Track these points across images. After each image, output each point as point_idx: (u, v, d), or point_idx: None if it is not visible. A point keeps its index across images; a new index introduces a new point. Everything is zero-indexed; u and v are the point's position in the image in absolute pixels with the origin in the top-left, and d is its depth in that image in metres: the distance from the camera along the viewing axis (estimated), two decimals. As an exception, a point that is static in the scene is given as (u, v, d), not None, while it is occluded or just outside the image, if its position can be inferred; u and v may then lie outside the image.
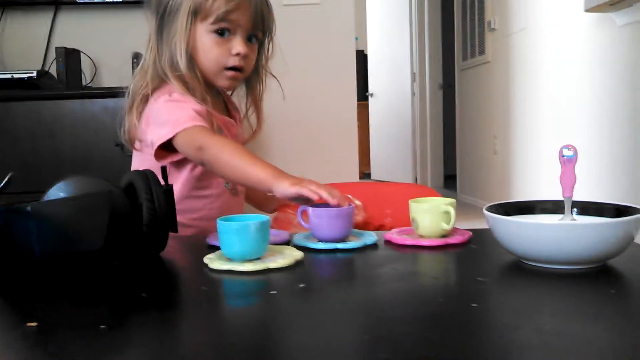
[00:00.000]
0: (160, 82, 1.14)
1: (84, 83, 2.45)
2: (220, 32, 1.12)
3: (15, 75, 2.17)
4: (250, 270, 0.78)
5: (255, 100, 1.25)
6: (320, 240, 0.92)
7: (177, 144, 1.06)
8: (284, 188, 0.94)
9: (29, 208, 0.77)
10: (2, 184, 0.83)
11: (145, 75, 1.15)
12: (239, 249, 0.81)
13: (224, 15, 1.10)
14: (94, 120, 2.06)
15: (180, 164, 1.14)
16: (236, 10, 1.11)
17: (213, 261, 0.81)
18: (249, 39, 1.15)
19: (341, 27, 2.52)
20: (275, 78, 1.27)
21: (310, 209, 0.93)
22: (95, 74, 2.49)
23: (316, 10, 2.51)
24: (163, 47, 1.13)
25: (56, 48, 2.33)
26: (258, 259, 0.82)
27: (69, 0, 2.47)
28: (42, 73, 2.24)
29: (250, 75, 1.22)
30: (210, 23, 1.11)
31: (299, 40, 2.50)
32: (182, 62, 1.11)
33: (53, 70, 2.36)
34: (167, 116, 1.08)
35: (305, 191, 0.91)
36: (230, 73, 1.15)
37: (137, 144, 1.16)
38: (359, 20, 3.95)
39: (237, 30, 1.13)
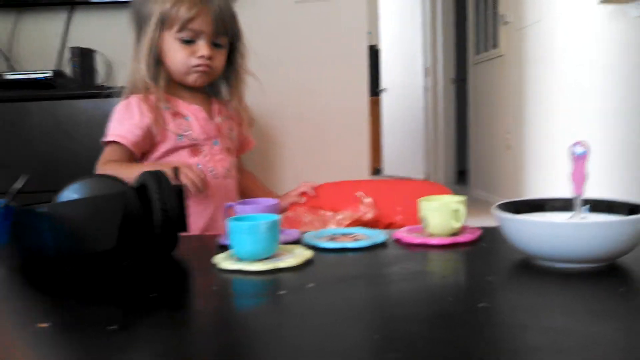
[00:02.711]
0: (133, 87, 1.28)
1: (98, 82, 2.47)
2: (186, 38, 1.25)
3: (31, 76, 2.20)
4: (259, 270, 0.79)
5: (239, 98, 1.36)
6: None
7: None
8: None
9: (43, 209, 0.79)
10: (17, 187, 0.84)
11: (128, 79, 1.30)
12: (249, 248, 0.81)
13: (187, 22, 1.24)
14: (109, 119, 2.08)
15: (145, 155, 1.28)
16: (197, 17, 1.24)
17: (223, 261, 0.82)
18: (215, 44, 1.28)
19: (353, 22, 2.51)
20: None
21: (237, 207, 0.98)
22: (110, 73, 2.51)
23: (328, 7, 2.50)
24: (139, 53, 1.27)
25: (71, 48, 2.35)
26: (268, 258, 0.82)
27: (83, 0, 2.49)
28: (58, 73, 2.26)
29: (231, 76, 1.35)
30: (175, 31, 1.25)
31: (311, 37, 2.50)
32: (144, 65, 1.25)
33: (68, 70, 2.38)
34: (110, 123, 1.27)
35: (183, 179, 1.09)
36: (199, 68, 1.27)
37: None
38: (371, 15, 3.94)
39: (200, 35, 1.25)
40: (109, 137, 1.25)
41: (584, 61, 3.03)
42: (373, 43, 6.12)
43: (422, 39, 5.67)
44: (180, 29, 1.24)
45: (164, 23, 1.25)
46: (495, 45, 4.29)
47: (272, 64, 2.31)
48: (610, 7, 2.67)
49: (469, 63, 5.00)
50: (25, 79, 2.19)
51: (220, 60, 1.30)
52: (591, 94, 2.97)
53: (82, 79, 2.32)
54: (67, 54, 2.43)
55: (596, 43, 2.89)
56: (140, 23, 1.28)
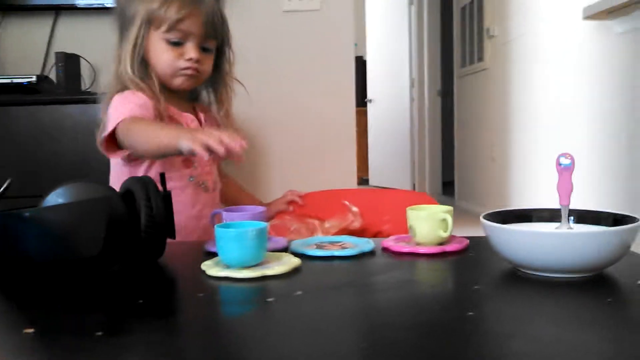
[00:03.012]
0: (122, 87, 1.21)
1: (83, 88, 2.45)
2: (174, 39, 1.19)
3: (15, 80, 2.17)
4: (247, 277, 0.78)
5: (227, 109, 1.30)
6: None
7: (118, 137, 1.12)
8: (184, 145, 0.95)
9: (27, 214, 0.78)
10: (1, 190, 0.83)
11: (112, 81, 1.23)
12: (236, 255, 0.81)
13: (176, 23, 1.18)
14: (93, 125, 2.06)
15: (137, 161, 1.20)
16: (187, 18, 1.18)
17: (210, 268, 0.81)
18: (203, 47, 1.22)
19: (340, 33, 2.53)
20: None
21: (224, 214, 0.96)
22: (94, 78, 2.50)
23: (316, 17, 2.51)
24: (123, 54, 1.21)
25: (56, 53, 2.33)
26: (256, 265, 0.82)
27: (69, 5, 2.47)
28: (42, 78, 2.24)
29: (217, 82, 1.30)
30: (163, 31, 1.19)
31: (298, 46, 2.50)
32: (128, 66, 1.19)
33: (52, 75, 2.36)
34: (112, 113, 1.15)
35: (196, 148, 0.91)
36: (187, 71, 1.21)
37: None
38: (358, 26, 3.96)
39: (189, 37, 1.20)
40: (119, 118, 1.11)
41: (568, 75, 3.07)
42: (360, 54, 6.16)
43: (408, 51, 5.71)
44: (169, 30, 1.18)
45: (150, 22, 1.19)
46: (480, 59, 4.33)
47: (258, 73, 2.31)
48: (594, 23, 2.71)
49: (454, 75, 5.05)
50: (9, 84, 2.17)
51: (208, 64, 1.24)
52: (575, 108, 3.01)
53: (66, 84, 2.30)
54: (52, 59, 2.41)
55: (581, 57, 2.93)
56: (123, 23, 1.23)
